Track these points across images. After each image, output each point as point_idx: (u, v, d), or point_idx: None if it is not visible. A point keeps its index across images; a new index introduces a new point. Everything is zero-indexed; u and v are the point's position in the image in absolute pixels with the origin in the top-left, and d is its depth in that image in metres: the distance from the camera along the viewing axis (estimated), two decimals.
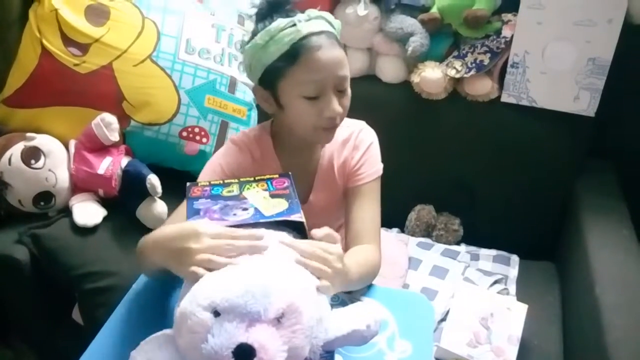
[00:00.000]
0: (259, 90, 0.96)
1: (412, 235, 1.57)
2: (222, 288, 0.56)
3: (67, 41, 1.28)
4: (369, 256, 0.92)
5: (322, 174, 1.03)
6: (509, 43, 1.42)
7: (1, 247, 1.19)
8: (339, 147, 1.03)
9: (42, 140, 1.26)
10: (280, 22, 0.88)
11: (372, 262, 0.92)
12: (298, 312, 0.57)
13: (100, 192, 1.30)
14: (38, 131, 1.28)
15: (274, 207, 0.75)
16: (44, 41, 1.27)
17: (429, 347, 0.85)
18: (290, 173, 0.85)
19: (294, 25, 0.87)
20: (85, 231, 1.22)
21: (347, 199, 1.01)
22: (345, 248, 0.94)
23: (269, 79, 0.91)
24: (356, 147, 1.02)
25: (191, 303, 0.57)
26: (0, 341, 1.33)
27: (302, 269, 0.63)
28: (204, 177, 0.97)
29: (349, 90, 0.93)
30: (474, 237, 1.56)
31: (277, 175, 0.84)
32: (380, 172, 1.02)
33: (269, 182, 0.82)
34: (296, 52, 0.86)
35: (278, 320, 0.56)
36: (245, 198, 0.78)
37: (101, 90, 1.30)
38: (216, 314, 0.56)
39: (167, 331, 0.64)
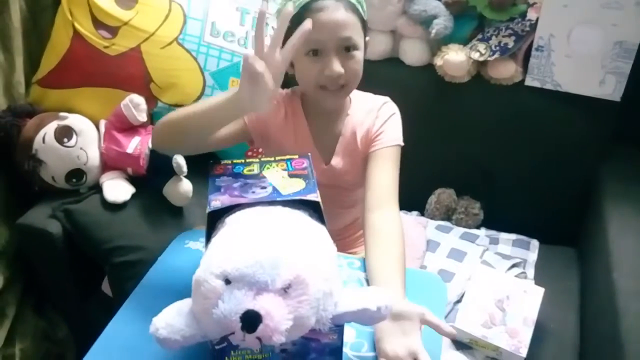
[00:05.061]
0: None
1: (432, 218, 1.58)
2: (233, 258, 0.59)
3: (98, 24, 1.31)
4: (398, 248, 0.90)
5: (345, 140, 1.06)
6: (534, 26, 1.40)
7: (36, 222, 1.24)
8: (363, 115, 1.06)
9: (74, 120, 1.29)
10: None
11: (401, 252, 0.90)
12: (305, 284, 0.59)
13: (129, 170, 1.34)
14: (70, 111, 1.32)
15: (292, 187, 0.77)
16: (76, 24, 1.30)
17: None
18: (309, 154, 0.87)
19: None
20: (114, 207, 1.26)
21: (368, 164, 1.03)
22: (365, 210, 0.96)
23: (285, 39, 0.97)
24: (378, 116, 1.05)
25: (204, 271, 0.60)
26: (36, 311, 1.39)
27: (314, 242, 0.66)
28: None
29: (357, 54, 0.96)
30: (495, 221, 1.56)
31: (296, 156, 0.87)
32: (400, 142, 1.04)
33: (288, 162, 0.85)
34: (302, 14, 0.92)
35: (285, 291, 0.58)
36: (265, 177, 0.81)
37: (130, 72, 1.34)
38: (227, 282, 0.59)
39: (186, 299, 0.67)
